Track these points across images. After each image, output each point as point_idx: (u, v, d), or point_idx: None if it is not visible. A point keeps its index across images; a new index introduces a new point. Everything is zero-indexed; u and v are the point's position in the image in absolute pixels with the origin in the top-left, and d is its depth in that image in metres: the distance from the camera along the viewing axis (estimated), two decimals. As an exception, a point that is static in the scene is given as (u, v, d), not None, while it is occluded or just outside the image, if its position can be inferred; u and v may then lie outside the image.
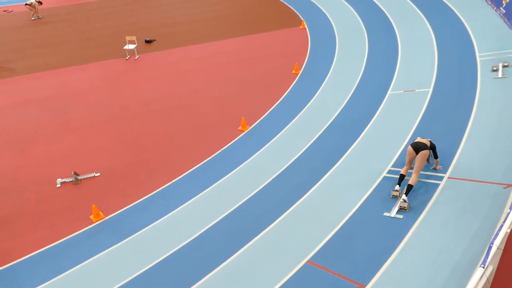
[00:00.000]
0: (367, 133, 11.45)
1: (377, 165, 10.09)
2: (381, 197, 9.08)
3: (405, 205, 8.55)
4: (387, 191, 9.18)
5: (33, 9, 23.17)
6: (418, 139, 9.26)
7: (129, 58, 17.77)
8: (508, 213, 6.59)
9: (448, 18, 17.68)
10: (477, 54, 14.38)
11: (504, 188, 8.61)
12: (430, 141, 9.24)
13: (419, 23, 17.89)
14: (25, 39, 20.41)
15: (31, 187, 10.67)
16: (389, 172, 9.77)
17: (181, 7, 23.46)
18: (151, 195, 10.11)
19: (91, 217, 9.49)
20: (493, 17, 16.91)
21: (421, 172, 9.29)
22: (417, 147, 9.01)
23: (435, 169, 9.47)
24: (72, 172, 10.80)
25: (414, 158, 9.06)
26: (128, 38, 18.14)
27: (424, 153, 8.92)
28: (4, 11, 24.70)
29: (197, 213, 9.40)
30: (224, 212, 9.31)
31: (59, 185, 10.66)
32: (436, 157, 9.39)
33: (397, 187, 8.96)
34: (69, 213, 9.73)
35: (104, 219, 9.45)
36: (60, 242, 8.93)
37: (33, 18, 23.25)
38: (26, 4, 23.21)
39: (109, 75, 16.30)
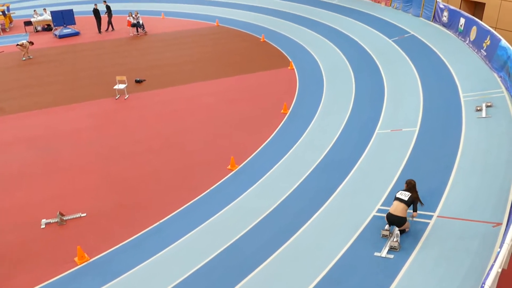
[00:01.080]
0: (356, 172, 11.49)
1: (366, 204, 10.07)
2: (371, 236, 9.01)
3: (396, 244, 8.47)
4: (377, 230, 9.11)
5: (24, 50, 23.36)
6: (394, 207, 8.68)
7: (119, 97, 17.86)
8: (499, 252, 6.57)
9: (432, 61, 18.22)
10: (461, 95, 14.74)
11: (493, 227, 8.62)
12: (410, 195, 8.77)
13: (404, 65, 18.38)
14: (15, 79, 20.47)
15: (14, 228, 10.38)
16: (379, 211, 9.75)
17: (171, 49, 23.88)
18: (138, 236, 9.90)
19: (76, 259, 9.23)
20: (475, 59, 17.48)
21: (410, 211, 9.09)
22: (391, 221, 8.70)
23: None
24: (58, 213, 10.58)
25: None
26: (118, 78, 18.30)
27: (400, 228, 8.69)
28: (-5, 51, 24.88)
29: (185, 254, 9.20)
30: (213, 253, 9.13)
31: (44, 226, 10.40)
32: (415, 210, 8.91)
33: (387, 226, 8.91)
34: (52, 255, 9.45)
35: (89, 261, 9.19)
36: (42, 286, 8.61)
37: (24, 59, 23.41)
38: (17, 44, 23.41)
39: (98, 115, 16.31)
